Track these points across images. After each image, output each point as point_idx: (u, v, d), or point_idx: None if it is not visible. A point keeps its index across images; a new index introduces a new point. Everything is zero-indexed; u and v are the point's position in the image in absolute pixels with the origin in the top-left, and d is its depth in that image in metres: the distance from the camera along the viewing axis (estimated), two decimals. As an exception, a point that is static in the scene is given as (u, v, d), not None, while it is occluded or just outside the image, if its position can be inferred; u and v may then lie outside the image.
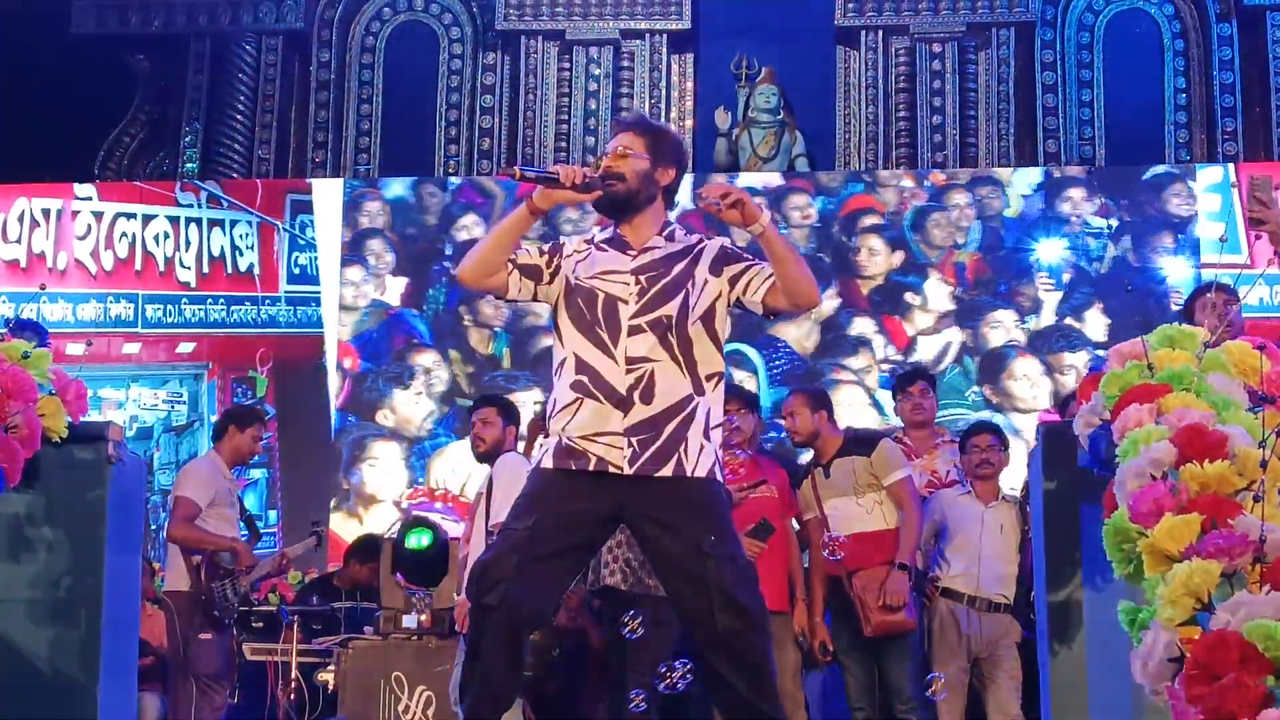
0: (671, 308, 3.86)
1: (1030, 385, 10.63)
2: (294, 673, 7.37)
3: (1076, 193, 11.03)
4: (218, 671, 6.96)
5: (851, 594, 6.13)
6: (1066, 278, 10.87)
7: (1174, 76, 11.54)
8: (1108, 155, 11.43)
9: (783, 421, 6.70)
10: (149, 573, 7.68)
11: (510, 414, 6.60)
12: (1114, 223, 10.88)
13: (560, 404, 3.88)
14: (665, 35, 12.02)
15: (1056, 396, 10.04)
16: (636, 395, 3.79)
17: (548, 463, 3.85)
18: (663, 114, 11.76)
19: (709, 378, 3.89)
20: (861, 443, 6.36)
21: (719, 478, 3.90)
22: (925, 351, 10.78)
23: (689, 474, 3.80)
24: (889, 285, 10.95)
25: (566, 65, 12.05)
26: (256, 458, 8.36)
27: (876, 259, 11.00)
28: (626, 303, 3.87)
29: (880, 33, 11.82)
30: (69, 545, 4.01)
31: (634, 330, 3.84)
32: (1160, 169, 11.09)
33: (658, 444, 3.78)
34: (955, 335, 10.85)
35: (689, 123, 11.94)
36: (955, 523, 6.43)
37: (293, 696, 7.33)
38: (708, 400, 3.88)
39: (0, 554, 3.99)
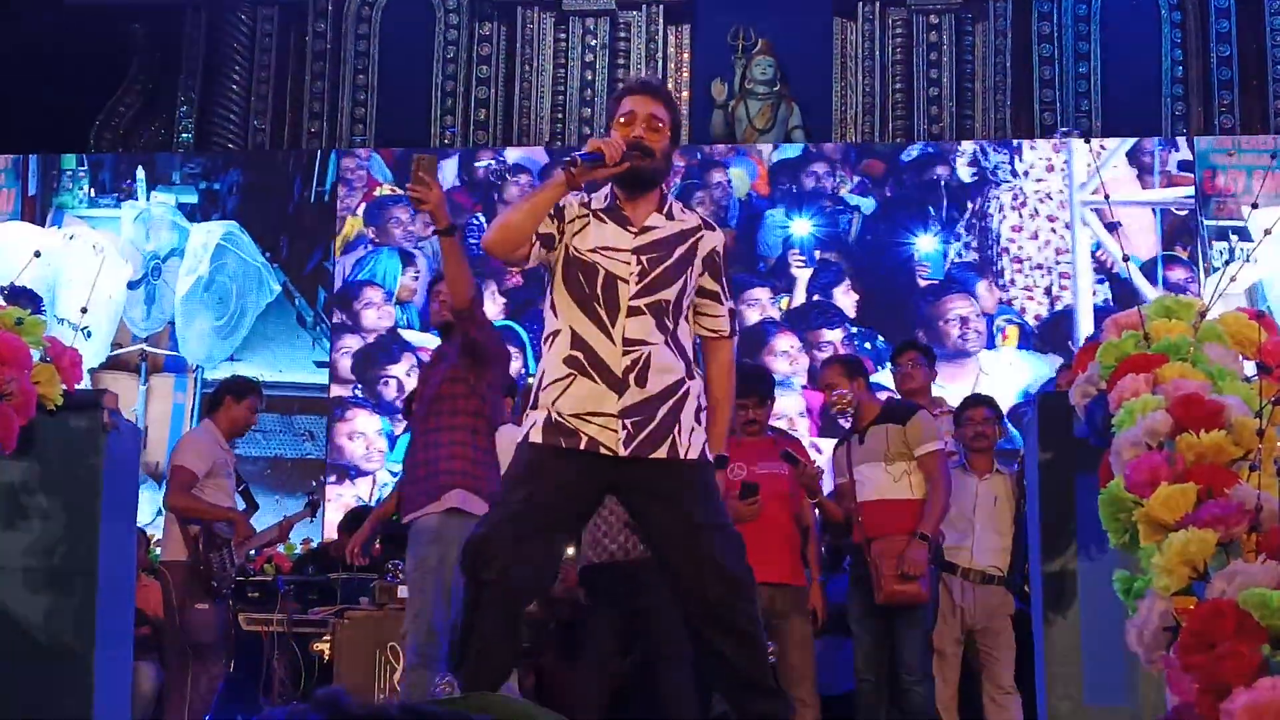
0: (670, 292, 3.83)
1: (790, 362, 10.85)
2: (290, 643, 7.37)
3: (821, 168, 11.19)
4: (214, 641, 6.95)
5: (869, 559, 6.12)
6: (817, 255, 11.02)
7: (1171, 49, 11.53)
8: (1105, 128, 11.41)
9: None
10: (143, 543, 7.68)
11: (510, 387, 6.57)
12: (870, 201, 11.09)
13: (551, 377, 3.81)
14: (662, 6, 12.01)
15: (813, 373, 10.19)
16: (632, 378, 3.75)
17: (536, 437, 3.80)
18: (659, 86, 11.74)
19: (694, 362, 3.88)
20: (898, 412, 6.32)
21: (710, 459, 3.88)
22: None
23: (682, 457, 3.78)
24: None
25: (563, 36, 12.03)
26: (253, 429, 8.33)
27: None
28: (627, 282, 3.81)
29: (877, 5, 11.81)
30: (64, 513, 4.00)
31: (633, 311, 3.79)
32: (916, 149, 11.20)
33: (651, 426, 3.75)
34: None
35: (686, 94, 11.92)
36: (950, 495, 6.41)
37: (288, 667, 7.32)
38: (697, 383, 3.87)
39: (-5, 522, 3.98)
